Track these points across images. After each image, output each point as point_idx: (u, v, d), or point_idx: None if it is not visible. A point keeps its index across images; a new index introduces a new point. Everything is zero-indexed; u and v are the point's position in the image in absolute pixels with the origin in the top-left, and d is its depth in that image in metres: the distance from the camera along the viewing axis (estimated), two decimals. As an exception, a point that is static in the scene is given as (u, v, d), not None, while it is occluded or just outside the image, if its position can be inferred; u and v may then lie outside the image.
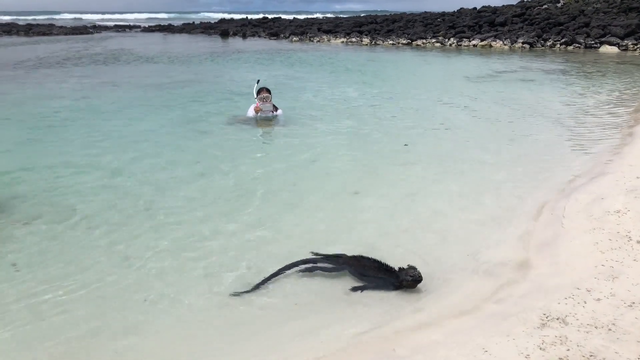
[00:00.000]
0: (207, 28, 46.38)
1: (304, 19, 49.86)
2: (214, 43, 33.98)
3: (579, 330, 3.08)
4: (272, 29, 41.64)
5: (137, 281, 4.12)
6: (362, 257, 4.26)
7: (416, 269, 3.96)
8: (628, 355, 2.73)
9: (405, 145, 8.12)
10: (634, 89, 13.57)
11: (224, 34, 40.87)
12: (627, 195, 5.49)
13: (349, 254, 4.35)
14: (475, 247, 4.73)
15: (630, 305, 3.27)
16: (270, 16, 51.23)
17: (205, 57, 23.81)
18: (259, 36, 39.69)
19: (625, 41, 25.66)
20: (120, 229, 5.09)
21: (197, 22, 53.28)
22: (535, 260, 4.39)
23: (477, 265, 4.39)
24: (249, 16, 53.40)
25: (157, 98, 12.56)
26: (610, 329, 3.03)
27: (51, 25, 48.13)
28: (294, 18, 49.69)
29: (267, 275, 4.16)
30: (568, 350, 2.88)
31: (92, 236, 4.92)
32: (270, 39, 37.34)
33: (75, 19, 77.10)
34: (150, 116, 10.47)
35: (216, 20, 53.32)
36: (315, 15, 64.91)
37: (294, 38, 36.51)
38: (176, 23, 54.74)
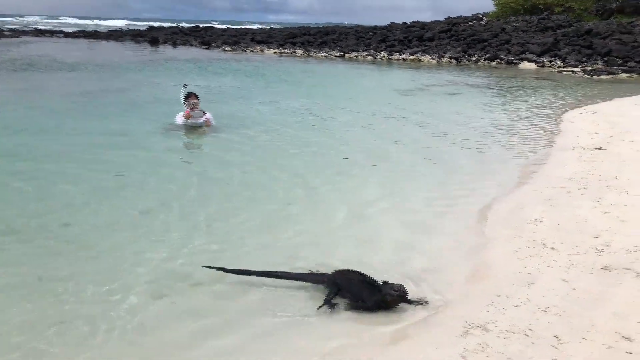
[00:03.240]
0: (135, 35, 44.99)
1: (237, 29, 49.52)
2: (143, 51, 33.06)
3: (498, 337, 3.18)
4: (204, 38, 41.06)
5: (54, 302, 3.87)
6: (347, 270, 4.03)
7: (402, 285, 3.79)
8: (541, 359, 2.85)
9: (346, 159, 8.15)
10: (553, 103, 14.42)
11: (154, 42, 39.83)
12: (543, 204, 5.78)
13: (325, 270, 4.20)
14: (403, 255, 4.81)
15: (545, 310, 3.42)
16: (202, 25, 50.49)
17: (134, 65, 23.10)
18: (191, 45, 38.98)
19: (542, 58, 27.27)
20: (37, 246, 4.79)
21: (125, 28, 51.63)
22: (459, 268, 4.51)
23: (404, 273, 4.46)
24: (181, 24, 52.40)
25: (81, 107, 12.01)
26: (526, 334, 3.16)
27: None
28: (227, 28, 49.24)
29: (244, 269, 4.22)
30: (487, 357, 2.97)
31: (6, 255, 4.61)
32: (202, 48, 36.75)
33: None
34: (72, 126, 9.97)
35: (146, 28, 51.94)
36: (248, 26, 64.59)
37: (227, 48, 36.18)
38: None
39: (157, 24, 57.21)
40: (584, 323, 3.17)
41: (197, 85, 11.33)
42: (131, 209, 5.78)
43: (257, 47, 35.78)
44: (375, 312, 3.73)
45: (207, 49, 36.70)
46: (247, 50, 35.10)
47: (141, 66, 22.73)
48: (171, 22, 57.33)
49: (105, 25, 67.01)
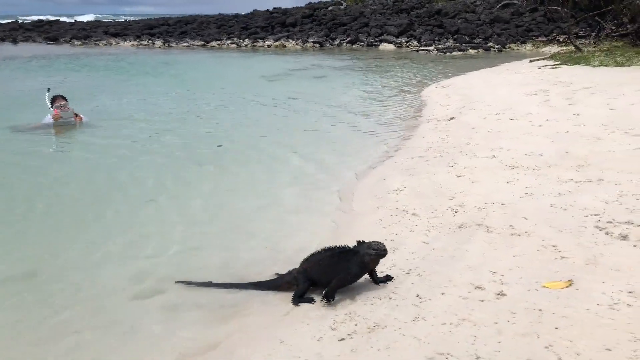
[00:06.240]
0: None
1: (87, 21, 46.04)
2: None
3: (365, 304, 3.23)
4: (50, 32, 37.57)
5: None
6: (312, 255, 3.59)
7: (380, 242, 3.40)
8: (405, 319, 2.93)
9: (220, 146, 7.96)
10: (412, 80, 15.24)
11: (-12, 41, 35.77)
12: (403, 174, 6.03)
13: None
14: (276, 238, 4.76)
15: (407, 273, 3.54)
16: (46, 19, 46.16)
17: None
18: (34, 41, 35.48)
19: (400, 39, 28.77)
20: None
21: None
22: (330, 244, 4.53)
23: (276, 256, 4.40)
24: (20, 19, 47.62)
25: None
26: (391, 298, 3.23)
27: None
28: (76, 21, 45.63)
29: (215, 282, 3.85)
30: (356, 325, 2.99)
31: None
32: (48, 44, 33.66)
33: None
34: None
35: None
36: (98, 17, 60.25)
37: (77, 42, 33.53)
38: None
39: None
40: (442, 279, 3.32)
41: (49, 84, 10.40)
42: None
43: (112, 40, 33.69)
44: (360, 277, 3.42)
45: (54, 44, 33.73)
46: (101, 44, 32.88)
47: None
48: (9, 19, 51.19)
49: None
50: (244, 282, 3.85)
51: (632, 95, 8.69)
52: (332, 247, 3.52)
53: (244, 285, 3.81)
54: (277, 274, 3.83)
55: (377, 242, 3.41)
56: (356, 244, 3.44)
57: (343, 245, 3.49)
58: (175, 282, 3.89)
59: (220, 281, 3.88)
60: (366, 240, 3.43)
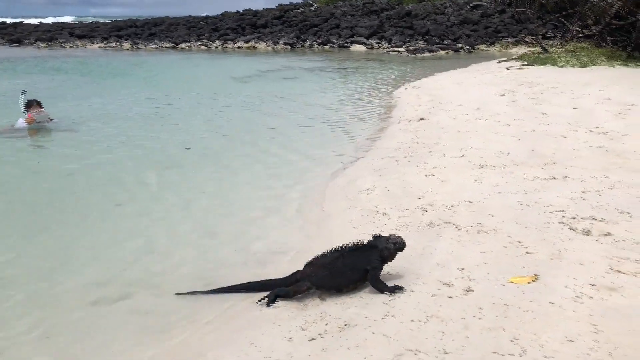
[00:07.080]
0: None
1: (53, 23, 45.01)
2: None
3: (336, 304, 3.24)
4: (14, 35, 36.57)
5: None
6: (317, 258, 3.41)
7: (399, 236, 3.40)
8: (375, 317, 2.95)
9: (188, 149, 7.90)
10: (383, 81, 15.35)
11: (-53, 42, 34.64)
12: (374, 174, 6.07)
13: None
14: (246, 240, 4.73)
15: (378, 271, 3.57)
16: (10, 20, 44.94)
17: None
18: (-4, 43, 34.63)
19: (370, 40, 28.93)
20: None
21: None
22: (301, 245, 4.55)
23: (247, 258, 4.38)
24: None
25: None
26: (361, 297, 3.26)
27: None
28: (40, 23, 44.57)
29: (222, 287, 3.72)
30: (326, 324, 3.00)
31: None
32: (12, 46, 32.78)
33: None
34: None
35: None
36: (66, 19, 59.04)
37: (42, 44, 32.72)
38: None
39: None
40: (411, 277, 3.36)
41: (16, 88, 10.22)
42: None
43: (78, 42, 32.98)
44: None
45: (18, 46, 32.86)
46: (67, 46, 32.13)
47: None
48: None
49: None
50: (245, 283, 3.70)
51: (596, 95, 8.93)
52: (340, 248, 3.36)
53: (252, 287, 3.64)
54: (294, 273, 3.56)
55: (396, 235, 3.43)
56: (372, 239, 3.39)
57: (353, 242, 3.38)
58: (177, 294, 3.75)
59: (218, 287, 3.75)
60: (383, 234, 3.41)
